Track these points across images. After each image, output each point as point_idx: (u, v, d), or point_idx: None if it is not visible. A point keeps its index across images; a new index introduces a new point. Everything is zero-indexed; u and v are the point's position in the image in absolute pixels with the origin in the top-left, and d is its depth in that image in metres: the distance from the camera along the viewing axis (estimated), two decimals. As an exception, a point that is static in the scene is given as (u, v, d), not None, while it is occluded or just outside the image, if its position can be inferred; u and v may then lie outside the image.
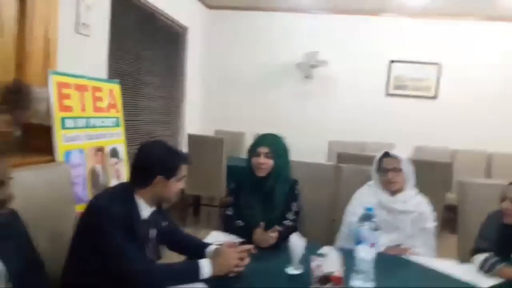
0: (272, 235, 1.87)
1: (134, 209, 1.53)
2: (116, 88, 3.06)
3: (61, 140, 2.41)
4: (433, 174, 3.05)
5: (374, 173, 2.23)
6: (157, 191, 1.56)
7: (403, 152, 2.24)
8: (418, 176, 2.20)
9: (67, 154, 2.43)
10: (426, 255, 1.98)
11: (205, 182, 4.35)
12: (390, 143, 4.97)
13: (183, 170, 1.61)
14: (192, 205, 4.93)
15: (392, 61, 5.59)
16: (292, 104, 5.86)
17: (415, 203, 2.12)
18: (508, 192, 1.77)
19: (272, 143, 2.14)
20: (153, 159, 1.57)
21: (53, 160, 2.34)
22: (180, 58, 5.40)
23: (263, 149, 2.10)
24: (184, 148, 4.78)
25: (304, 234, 1.74)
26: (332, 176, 2.69)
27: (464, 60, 5.39)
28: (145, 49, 4.41)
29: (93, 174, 2.59)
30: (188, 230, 2.17)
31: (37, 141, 2.43)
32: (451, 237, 2.69)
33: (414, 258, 1.91)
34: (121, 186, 1.63)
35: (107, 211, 1.44)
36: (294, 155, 2.48)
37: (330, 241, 2.21)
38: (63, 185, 2.02)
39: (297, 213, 2.13)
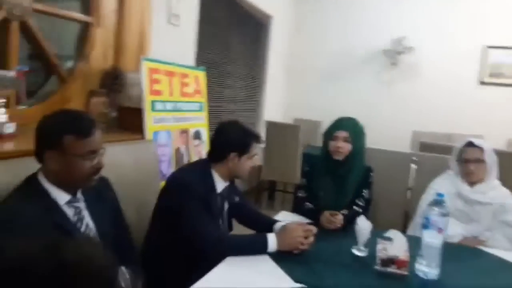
0: (338, 218, 1.90)
1: (210, 183, 1.67)
2: (201, 75, 3.26)
3: (151, 122, 2.64)
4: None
5: (454, 162, 2.15)
6: (230, 167, 1.68)
7: (488, 143, 2.12)
8: (506, 170, 2.08)
9: (155, 134, 2.66)
10: (505, 249, 1.88)
11: (281, 168, 4.45)
12: (479, 135, 4.64)
13: (255, 148, 1.71)
14: (267, 190, 5.06)
15: (489, 47, 5.17)
16: (376, 92, 5.70)
17: (495, 195, 2.01)
18: None
19: (351, 127, 2.11)
20: (228, 137, 1.69)
21: (142, 139, 2.58)
22: (264, 47, 5.52)
23: (342, 133, 2.08)
24: (262, 134, 4.91)
25: (374, 222, 1.75)
26: (409, 164, 2.62)
27: None
28: (231, 38, 4.59)
29: (178, 153, 2.81)
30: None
31: (130, 121, 2.69)
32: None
33: (489, 250, 1.82)
34: (200, 161, 1.79)
35: (186, 183, 1.59)
36: (376, 145, 2.44)
37: (401, 231, 2.18)
38: (150, 161, 2.23)
39: (367, 201, 2.12)
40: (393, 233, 1.60)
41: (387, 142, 3.76)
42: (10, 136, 1.91)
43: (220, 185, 1.71)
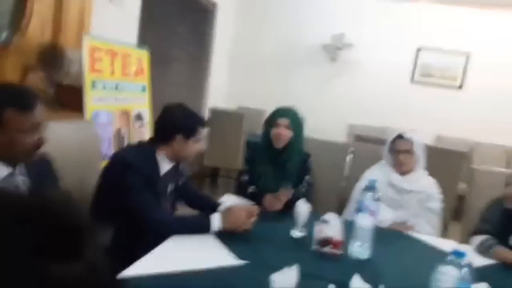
0: (280, 199, 1.98)
1: (154, 164, 1.66)
2: (144, 55, 3.19)
3: (91, 101, 2.56)
4: (448, 163, 3.09)
5: (387, 154, 2.31)
6: (176, 149, 1.69)
7: (417, 135, 2.30)
8: (433, 163, 2.26)
9: (95, 114, 2.58)
10: (428, 233, 2.06)
11: (224, 155, 4.49)
12: (412, 129, 4.97)
13: (201, 132, 1.73)
14: (210, 176, 5.09)
15: (419, 49, 5.53)
16: (316, 85, 5.90)
17: (423, 184, 2.19)
18: None
19: (291, 115, 2.20)
20: (174, 119, 1.70)
21: (82, 118, 2.49)
22: (209, 34, 5.48)
23: (284, 121, 2.16)
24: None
25: (312, 207, 1.84)
26: (345, 154, 2.76)
27: (494, 51, 5.29)
28: (176, 23, 4.51)
29: (119, 134, 2.75)
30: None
31: (68, 99, 2.59)
32: (458, 224, 2.75)
33: (415, 234, 1.99)
34: (144, 142, 1.77)
35: (130, 163, 1.58)
36: (313, 136, 2.55)
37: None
38: (91, 141, 2.16)
39: (309, 185, 2.22)
40: (330, 216, 1.69)
41: (324, 134, 3.91)
42: None
43: (165, 166, 1.71)
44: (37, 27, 2.55)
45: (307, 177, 2.23)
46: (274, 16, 5.95)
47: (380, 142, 2.87)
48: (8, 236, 0.31)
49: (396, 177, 2.21)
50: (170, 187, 1.78)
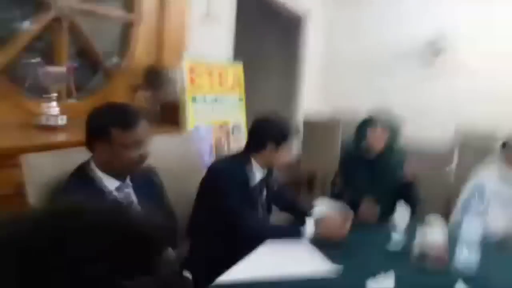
0: (375, 212, 1.91)
1: (248, 171, 1.72)
2: (239, 69, 3.32)
3: (191, 115, 2.73)
4: None
5: (500, 149, 2.10)
6: (267, 157, 1.73)
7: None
8: None
9: (196, 128, 2.74)
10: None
11: (320, 160, 4.45)
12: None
13: (292, 140, 1.76)
14: (306, 182, 5.07)
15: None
16: (416, 87, 5.55)
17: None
18: None
19: (387, 120, 2.13)
20: (266, 128, 1.74)
21: (183, 133, 2.67)
22: (300, 42, 5.50)
23: (379, 124, 2.10)
24: (299, 129, 4.93)
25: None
26: (452, 152, 2.57)
27: None
28: (266, 34, 4.63)
29: (218, 146, 2.88)
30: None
31: (171, 116, 2.79)
32: None
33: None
34: (239, 152, 1.84)
35: (226, 172, 1.66)
36: (418, 141, 2.41)
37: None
38: (191, 154, 2.31)
39: (408, 187, 2.11)
40: (433, 219, 1.58)
41: (428, 137, 3.70)
42: (62, 128, 2.04)
43: (259, 173, 1.76)
44: (142, 51, 2.80)
45: (404, 180, 2.11)
46: (368, 18, 5.76)
47: (489, 147, 2.63)
48: (81, 247, 0.32)
49: (508, 173, 1.99)
50: (264, 193, 1.82)
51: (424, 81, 5.54)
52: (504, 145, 2.07)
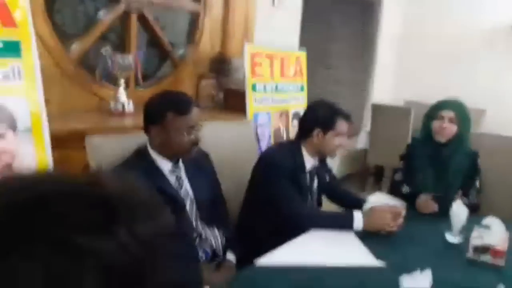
0: (434, 208, 1.82)
1: (299, 160, 1.72)
2: (302, 56, 3.30)
3: (252, 103, 2.78)
4: None
5: None
6: (316, 143, 1.71)
7: None
8: None
9: (256, 115, 2.79)
10: None
11: (389, 153, 4.28)
12: None
13: (341, 126, 1.71)
14: (374, 175, 4.93)
15: None
16: (501, 74, 5.11)
17: None
18: None
19: (458, 108, 1.98)
20: (313, 113, 1.73)
21: (245, 120, 2.73)
22: (373, 26, 5.30)
23: (448, 113, 1.94)
24: (367, 117, 4.79)
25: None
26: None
27: None
28: (336, 18, 4.52)
29: (277, 133, 2.91)
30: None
31: (234, 103, 2.86)
32: None
33: None
34: (291, 140, 1.85)
35: (275, 160, 1.68)
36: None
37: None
38: (249, 140, 2.36)
39: (479, 192, 1.97)
40: (492, 221, 1.48)
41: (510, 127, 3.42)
42: (130, 114, 2.19)
43: (309, 162, 1.75)
44: (208, 41, 2.90)
45: (477, 181, 1.97)
46: (447, 2, 5.38)
47: None
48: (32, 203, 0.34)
49: None
50: (315, 183, 1.81)
51: (507, 68, 5.08)
52: None
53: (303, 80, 3.26)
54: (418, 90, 5.43)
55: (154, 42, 2.62)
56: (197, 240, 1.51)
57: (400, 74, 5.76)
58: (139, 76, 2.32)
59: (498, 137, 2.53)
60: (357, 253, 1.41)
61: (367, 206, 1.73)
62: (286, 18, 3.66)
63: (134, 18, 2.37)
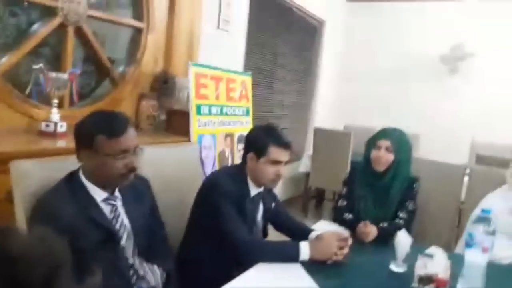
0: (371, 229, 1.83)
1: (243, 185, 1.66)
2: (248, 80, 3.28)
3: (196, 125, 2.69)
4: None
5: (510, 176, 2.00)
6: (250, 168, 1.66)
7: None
8: None
9: (200, 137, 2.71)
10: None
11: (329, 176, 4.36)
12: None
13: (275, 153, 1.62)
14: (315, 198, 4.99)
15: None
16: (433, 99, 5.44)
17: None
18: None
19: (394, 137, 2.03)
20: (249, 136, 1.69)
21: (188, 142, 2.64)
22: (315, 52, 5.47)
23: (384, 143, 1.99)
24: (310, 141, 4.86)
25: (420, 235, 1.66)
26: (462, 177, 2.47)
27: None
28: (281, 43, 4.59)
29: (222, 157, 2.84)
30: (308, 222, 2.25)
31: (177, 124, 2.76)
32: None
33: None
34: (236, 165, 1.78)
35: (218, 183, 1.60)
36: (433, 155, 2.29)
37: (449, 247, 2.06)
38: (193, 163, 2.26)
39: (410, 213, 2.02)
40: (435, 250, 1.50)
41: (444, 152, 3.59)
42: (62, 135, 2.03)
43: (254, 188, 1.70)
44: (150, 58, 2.79)
45: (408, 204, 2.02)
46: (386, 29, 5.69)
47: (504, 163, 2.51)
48: None
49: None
50: (260, 210, 1.75)
51: (439, 95, 5.43)
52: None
53: (248, 104, 3.23)
54: (357, 115, 5.64)
55: (92, 58, 2.47)
56: (134, 278, 1.38)
57: (341, 100, 5.96)
58: (75, 94, 2.16)
59: (431, 162, 2.62)
60: (303, 285, 1.35)
61: (313, 235, 1.70)
62: (231, 41, 3.65)
63: (71, 31, 2.22)
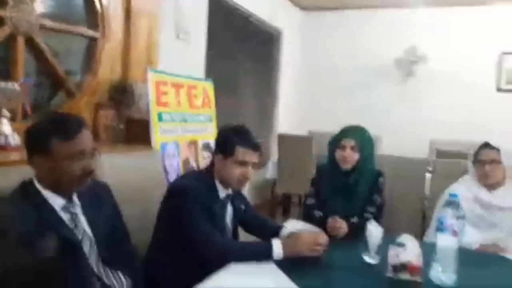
0: (341, 225, 1.83)
1: (211, 188, 1.62)
2: (209, 86, 3.24)
3: (158, 133, 2.61)
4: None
5: (471, 166, 2.06)
6: (218, 169, 1.63)
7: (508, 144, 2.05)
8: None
9: (163, 145, 2.63)
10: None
11: (295, 181, 4.37)
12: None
13: (242, 154, 1.60)
14: (282, 203, 4.99)
15: (505, 53, 5.06)
16: (391, 102, 5.61)
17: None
18: None
19: (357, 136, 2.05)
20: (217, 137, 1.65)
21: (151, 150, 2.55)
22: (274, 60, 5.52)
23: (349, 142, 2.00)
24: (274, 148, 4.87)
25: (388, 228, 1.66)
26: (425, 171, 2.53)
27: None
28: (240, 52, 4.60)
29: (186, 164, 2.77)
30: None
31: (138, 133, 2.67)
32: None
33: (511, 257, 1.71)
34: (204, 168, 1.74)
35: (186, 187, 1.55)
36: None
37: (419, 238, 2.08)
38: (156, 172, 2.20)
39: (378, 207, 2.04)
40: (406, 238, 1.50)
41: (404, 151, 3.68)
42: (15, 148, 1.91)
43: (223, 190, 1.65)
44: (107, 68, 2.70)
45: (375, 198, 2.04)
46: (341, 36, 5.83)
47: (462, 156, 2.60)
48: None
49: (483, 193, 1.95)
50: (229, 212, 1.71)
51: (397, 98, 5.60)
52: (474, 160, 2.05)
53: (211, 111, 3.19)
54: (320, 120, 5.72)
55: (46, 69, 2.36)
56: (99, 286, 1.29)
57: (303, 106, 6.02)
58: (27, 106, 2.05)
59: (394, 158, 2.68)
60: (280, 285, 1.32)
61: (284, 232, 1.67)
62: (191, 51, 3.62)
63: (21, 41, 2.11)
